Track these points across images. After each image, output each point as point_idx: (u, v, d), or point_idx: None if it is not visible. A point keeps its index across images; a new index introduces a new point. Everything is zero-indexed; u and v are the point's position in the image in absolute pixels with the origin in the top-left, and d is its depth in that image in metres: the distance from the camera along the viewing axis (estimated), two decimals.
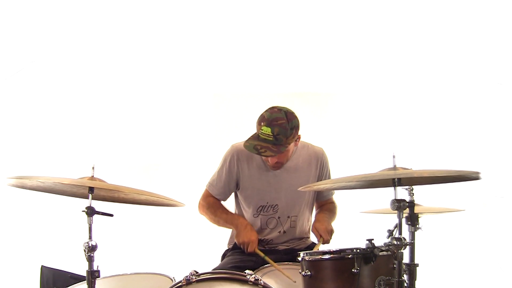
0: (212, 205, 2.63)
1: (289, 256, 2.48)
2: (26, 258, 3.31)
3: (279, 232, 2.58)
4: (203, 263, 2.48)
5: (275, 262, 2.29)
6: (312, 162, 2.62)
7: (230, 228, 2.63)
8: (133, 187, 1.89)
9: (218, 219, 2.61)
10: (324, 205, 2.73)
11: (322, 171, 2.62)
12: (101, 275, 1.83)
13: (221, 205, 2.67)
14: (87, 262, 1.79)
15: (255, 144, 2.38)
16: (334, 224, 2.69)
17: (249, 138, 2.45)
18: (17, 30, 3.36)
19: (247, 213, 2.61)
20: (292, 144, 2.45)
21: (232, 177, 2.59)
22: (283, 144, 2.36)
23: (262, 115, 2.44)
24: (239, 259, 2.49)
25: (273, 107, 2.45)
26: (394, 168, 1.87)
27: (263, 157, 2.50)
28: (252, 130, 2.54)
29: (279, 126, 2.35)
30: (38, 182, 1.84)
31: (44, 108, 3.60)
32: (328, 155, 2.68)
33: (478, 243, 3.45)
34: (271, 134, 2.34)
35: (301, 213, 2.61)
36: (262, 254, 2.39)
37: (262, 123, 2.39)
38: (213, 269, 2.41)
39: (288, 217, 2.58)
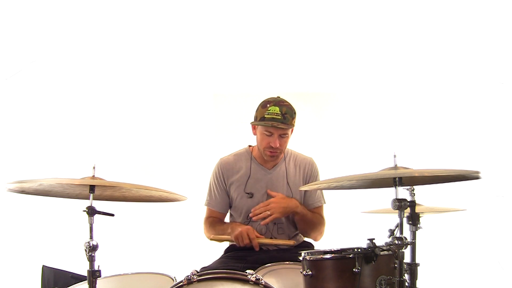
0: (211, 223, 2.66)
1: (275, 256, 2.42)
2: (27, 258, 3.31)
3: (269, 238, 2.57)
4: (204, 263, 2.47)
5: (261, 264, 2.21)
6: (300, 170, 2.64)
7: (228, 236, 2.55)
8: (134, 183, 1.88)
9: (217, 231, 2.59)
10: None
11: (310, 181, 2.63)
12: (102, 275, 1.82)
13: (220, 220, 2.69)
14: (88, 262, 1.79)
15: (263, 123, 2.44)
16: (334, 225, 2.68)
17: (252, 123, 2.51)
18: (17, 30, 3.36)
19: (237, 221, 2.64)
20: (291, 131, 2.52)
21: (222, 189, 2.63)
22: (289, 124, 2.44)
23: (265, 100, 2.51)
24: (235, 258, 2.48)
25: (272, 97, 2.54)
26: (395, 167, 1.87)
27: (266, 151, 2.50)
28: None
29: (286, 107, 2.46)
30: (37, 185, 1.82)
31: (44, 108, 3.60)
32: (328, 155, 2.69)
33: (479, 242, 3.45)
34: (279, 112, 2.42)
35: (289, 220, 2.61)
36: (263, 240, 2.48)
37: (268, 105, 2.45)
38: (203, 269, 2.41)
39: (275, 223, 2.58)
